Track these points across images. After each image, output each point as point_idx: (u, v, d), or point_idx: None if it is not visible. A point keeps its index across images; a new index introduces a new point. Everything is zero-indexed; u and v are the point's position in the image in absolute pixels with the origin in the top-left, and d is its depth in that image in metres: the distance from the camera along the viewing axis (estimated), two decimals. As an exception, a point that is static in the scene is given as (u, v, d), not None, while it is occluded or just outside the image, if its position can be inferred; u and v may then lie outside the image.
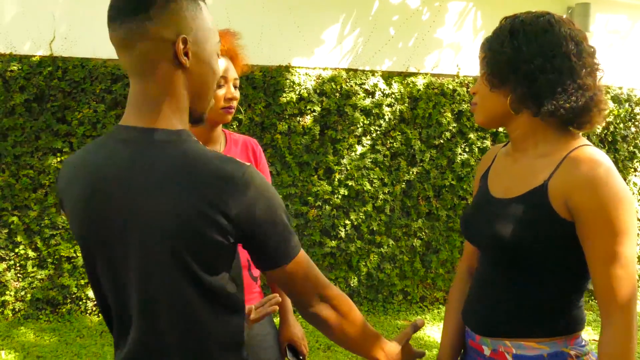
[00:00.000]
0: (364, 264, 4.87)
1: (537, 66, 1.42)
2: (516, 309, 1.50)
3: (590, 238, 1.38)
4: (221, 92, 1.98)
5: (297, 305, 1.29)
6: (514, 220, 1.48)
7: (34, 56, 4.31)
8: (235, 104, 2.02)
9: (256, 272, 2.04)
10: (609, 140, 5.48)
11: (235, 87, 2.02)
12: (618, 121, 5.45)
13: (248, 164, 1.17)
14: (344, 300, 1.31)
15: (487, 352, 1.54)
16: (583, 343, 1.49)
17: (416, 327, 1.57)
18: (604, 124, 5.30)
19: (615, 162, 5.48)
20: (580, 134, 1.49)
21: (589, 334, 4.72)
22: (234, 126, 4.54)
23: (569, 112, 1.42)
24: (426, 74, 5.06)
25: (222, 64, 1.99)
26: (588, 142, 1.46)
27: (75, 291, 4.42)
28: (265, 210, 1.15)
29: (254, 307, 1.61)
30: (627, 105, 5.56)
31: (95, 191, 1.18)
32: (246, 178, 1.13)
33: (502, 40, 1.47)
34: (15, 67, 4.26)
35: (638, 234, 1.41)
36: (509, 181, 1.53)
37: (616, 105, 5.47)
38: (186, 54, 1.17)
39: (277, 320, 2.19)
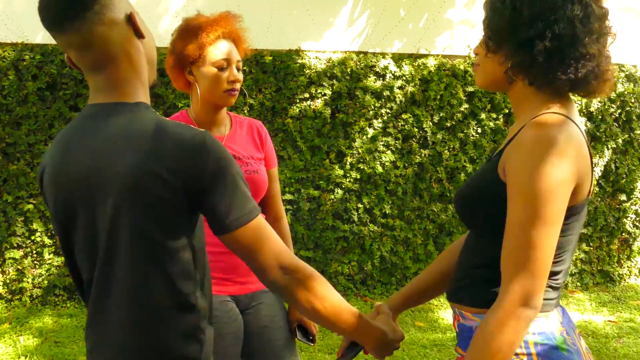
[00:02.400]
0: (377, 247, 4.88)
1: (535, 32, 1.32)
2: (465, 276, 1.47)
3: (509, 200, 1.29)
4: (224, 74, 1.99)
5: (256, 274, 1.30)
6: (471, 180, 1.49)
7: (47, 45, 4.34)
8: (238, 86, 2.02)
9: None
10: (624, 119, 5.41)
11: (238, 69, 2.03)
12: (633, 100, 5.37)
13: (204, 130, 1.25)
14: (308, 273, 1.29)
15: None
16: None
17: (380, 309, 1.58)
18: (617, 102, 5.24)
19: (631, 142, 5.42)
20: (571, 100, 1.40)
21: (604, 315, 4.70)
22: (245, 111, 4.54)
23: (564, 83, 1.34)
24: (437, 55, 5.02)
25: (224, 47, 2.00)
26: (558, 110, 1.35)
27: (91, 277, 4.47)
28: (217, 174, 1.21)
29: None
30: (642, 83, 5.49)
31: (64, 163, 1.28)
32: (199, 143, 1.21)
33: (502, 0, 1.37)
34: (27, 57, 4.30)
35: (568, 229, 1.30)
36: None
37: (630, 83, 5.39)
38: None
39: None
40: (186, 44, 1.98)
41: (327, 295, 1.31)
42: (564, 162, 1.26)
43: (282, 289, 1.29)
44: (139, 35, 1.29)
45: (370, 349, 1.47)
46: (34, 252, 4.44)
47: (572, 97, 1.42)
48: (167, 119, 1.26)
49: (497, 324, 1.26)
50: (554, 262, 1.34)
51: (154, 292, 1.24)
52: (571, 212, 1.33)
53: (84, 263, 1.30)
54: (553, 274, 1.37)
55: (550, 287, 1.38)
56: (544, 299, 1.34)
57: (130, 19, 1.27)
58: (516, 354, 1.31)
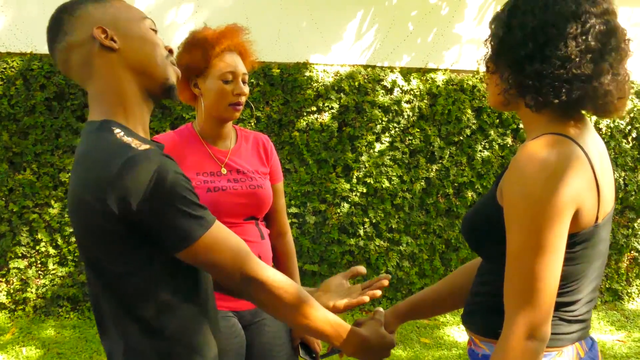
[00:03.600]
0: (382, 262, 4.83)
1: (526, 53, 1.25)
2: (473, 302, 1.43)
3: (507, 227, 1.24)
4: (230, 87, 1.97)
5: (225, 286, 1.28)
6: (477, 205, 1.43)
7: (54, 55, 4.34)
8: (243, 99, 2.01)
9: None
10: (633, 136, 5.37)
11: (244, 82, 2.01)
12: (643, 117, 5.33)
13: (146, 150, 1.17)
14: (277, 283, 1.26)
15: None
16: None
17: (377, 314, 1.54)
18: (626, 119, 5.20)
19: (640, 159, 5.36)
20: (584, 118, 1.31)
21: (613, 334, 4.64)
22: (252, 123, 4.53)
23: (558, 106, 1.26)
24: (445, 70, 5.01)
25: (230, 60, 1.98)
26: (559, 130, 1.26)
27: (95, 288, 4.45)
28: (149, 198, 1.13)
29: (360, 287, 1.58)
30: (652, 100, 5.44)
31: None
32: (129, 165, 1.13)
33: (500, 19, 1.32)
34: (35, 66, 4.31)
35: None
36: None
37: (641, 100, 5.36)
38: (112, 39, 1.26)
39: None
40: (192, 57, 1.97)
41: (298, 307, 1.28)
42: (559, 185, 1.18)
43: (251, 299, 1.28)
44: (108, 48, 1.25)
45: (350, 354, 1.43)
46: (39, 262, 4.42)
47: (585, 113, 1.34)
48: (119, 140, 1.19)
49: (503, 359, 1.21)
50: (565, 293, 1.29)
51: (112, 313, 1.24)
52: (577, 239, 1.26)
53: None
54: (565, 304, 1.30)
55: (563, 319, 1.31)
56: (557, 333, 1.29)
57: (96, 33, 1.25)
58: None
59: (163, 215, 1.15)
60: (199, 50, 1.96)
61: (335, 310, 1.50)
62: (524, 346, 1.20)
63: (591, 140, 1.29)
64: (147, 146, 1.18)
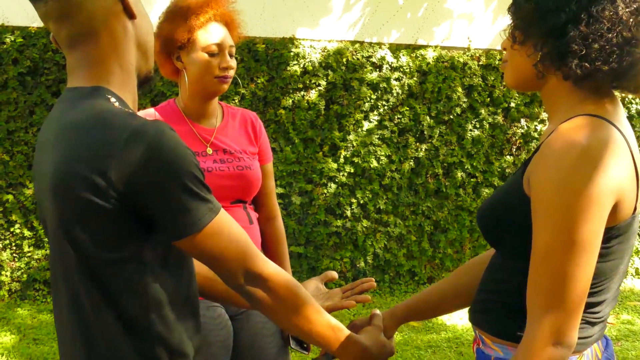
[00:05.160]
0: (370, 243, 4.75)
1: (568, 15, 1.12)
2: (487, 300, 1.31)
3: (534, 220, 1.12)
4: (216, 61, 1.84)
5: (225, 282, 1.16)
6: (495, 194, 1.31)
7: (28, 28, 4.15)
8: (231, 73, 1.87)
9: None
10: None
11: (231, 55, 1.87)
12: None
13: (154, 121, 1.06)
14: (281, 281, 1.16)
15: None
16: None
17: (374, 316, 1.45)
18: None
19: None
20: (615, 99, 1.20)
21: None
22: (236, 100, 4.38)
23: (606, 75, 1.13)
24: (436, 46, 4.88)
25: (216, 31, 1.85)
26: (594, 112, 1.15)
27: (73, 271, 4.32)
28: (156, 175, 1.03)
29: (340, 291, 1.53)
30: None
31: (37, 153, 1.18)
32: (137, 136, 1.02)
33: None
34: (8, 40, 4.12)
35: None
36: None
37: None
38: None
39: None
40: (174, 28, 1.83)
41: (300, 308, 1.18)
42: (599, 175, 1.06)
43: (249, 298, 1.16)
44: (130, 14, 1.15)
45: None
46: (13, 244, 4.27)
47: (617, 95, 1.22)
48: (119, 109, 1.09)
49: (533, 345, 1.09)
50: (593, 293, 1.17)
51: (92, 309, 1.09)
52: (613, 233, 1.15)
53: None
54: (592, 305, 1.19)
55: (588, 322, 1.20)
56: (581, 337, 1.17)
57: None
58: None
59: (171, 196, 1.04)
60: (182, 20, 1.82)
61: None
62: (550, 353, 1.08)
63: (627, 123, 1.18)
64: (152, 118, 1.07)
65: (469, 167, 4.92)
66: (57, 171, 1.06)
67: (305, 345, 2.04)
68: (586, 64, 1.13)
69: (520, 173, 1.20)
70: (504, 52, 1.29)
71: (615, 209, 1.11)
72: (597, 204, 1.07)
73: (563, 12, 1.13)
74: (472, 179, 4.95)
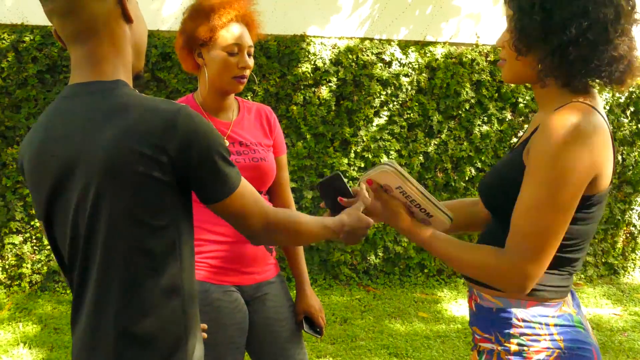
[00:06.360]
0: (380, 237, 4.82)
1: (569, 38, 1.30)
2: None
3: (525, 179, 1.33)
4: (234, 60, 1.92)
5: (245, 235, 1.37)
6: (494, 168, 1.54)
7: (47, 26, 4.25)
8: (248, 72, 1.96)
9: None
10: (632, 110, 5.33)
11: (249, 55, 1.96)
12: (642, 91, 5.30)
13: (183, 104, 1.23)
14: (290, 221, 1.41)
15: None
16: (545, 313, 1.39)
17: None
18: (626, 93, 5.17)
19: (638, 133, 5.33)
20: (595, 92, 1.41)
21: (609, 308, 4.66)
22: (249, 97, 4.47)
23: (600, 85, 1.38)
24: (444, 43, 4.94)
25: (236, 31, 1.93)
26: (584, 101, 1.35)
27: (91, 263, 4.42)
28: (201, 148, 1.21)
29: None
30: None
31: (43, 149, 1.25)
32: (181, 117, 1.19)
33: (531, 0, 1.35)
34: (27, 38, 4.22)
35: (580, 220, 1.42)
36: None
37: (640, 74, 5.32)
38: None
39: (293, 292, 2.15)
40: (197, 25, 1.90)
41: (303, 230, 1.44)
42: (585, 151, 1.27)
43: (264, 241, 1.45)
44: (127, 18, 1.27)
45: (339, 239, 1.59)
46: (34, 237, 4.38)
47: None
48: (144, 95, 1.24)
49: (495, 271, 1.35)
50: (576, 250, 1.39)
51: (135, 273, 1.21)
52: (594, 200, 1.35)
53: (67, 249, 1.28)
54: (574, 260, 1.41)
55: (570, 273, 1.42)
56: (565, 286, 1.41)
57: (120, 0, 1.25)
58: (538, 335, 1.37)
59: (213, 163, 1.23)
60: (205, 19, 1.90)
61: None
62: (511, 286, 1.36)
63: (603, 113, 1.38)
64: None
65: (478, 162, 4.98)
66: (110, 150, 1.17)
67: (317, 329, 2.12)
68: (584, 78, 1.35)
69: (521, 149, 1.39)
70: (501, 49, 1.47)
71: (595, 181, 1.32)
72: (580, 175, 1.28)
73: (564, 35, 1.31)
74: (480, 173, 5.02)
